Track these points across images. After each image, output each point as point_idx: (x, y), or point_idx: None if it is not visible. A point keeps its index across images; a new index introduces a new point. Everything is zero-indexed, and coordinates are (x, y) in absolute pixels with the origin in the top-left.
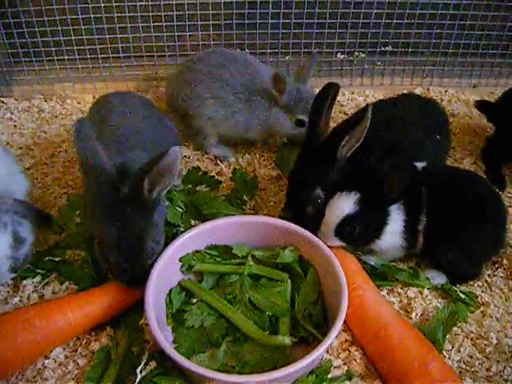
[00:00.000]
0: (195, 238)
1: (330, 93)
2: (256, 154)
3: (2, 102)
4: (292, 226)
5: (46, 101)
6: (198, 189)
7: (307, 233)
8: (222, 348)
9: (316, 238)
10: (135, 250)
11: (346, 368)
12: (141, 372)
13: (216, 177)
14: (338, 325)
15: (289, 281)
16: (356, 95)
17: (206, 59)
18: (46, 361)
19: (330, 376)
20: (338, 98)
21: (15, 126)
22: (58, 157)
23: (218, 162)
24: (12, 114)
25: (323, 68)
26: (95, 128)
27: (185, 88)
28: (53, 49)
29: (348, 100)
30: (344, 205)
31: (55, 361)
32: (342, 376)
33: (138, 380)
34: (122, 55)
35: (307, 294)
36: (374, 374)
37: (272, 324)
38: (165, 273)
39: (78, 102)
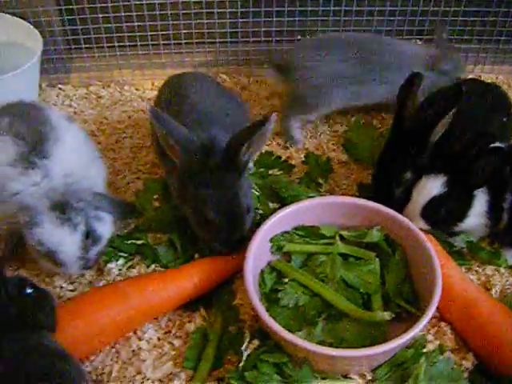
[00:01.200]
0: (284, 219)
1: (415, 81)
2: (323, 139)
3: (60, 88)
4: (379, 206)
5: (103, 87)
6: (270, 172)
7: (395, 213)
8: (318, 325)
9: (404, 218)
10: (234, 208)
11: (437, 342)
12: (245, 350)
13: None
14: (436, 299)
15: (377, 259)
16: None
17: (335, 45)
18: (140, 342)
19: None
20: None
21: (75, 112)
22: (123, 142)
23: (288, 145)
24: (71, 100)
25: None
26: (172, 107)
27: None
28: (114, 35)
29: None
30: (432, 186)
31: (148, 342)
32: (435, 350)
33: (244, 358)
34: (183, 41)
35: (396, 272)
36: (464, 348)
37: (364, 302)
38: (258, 253)
39: (137, 89)
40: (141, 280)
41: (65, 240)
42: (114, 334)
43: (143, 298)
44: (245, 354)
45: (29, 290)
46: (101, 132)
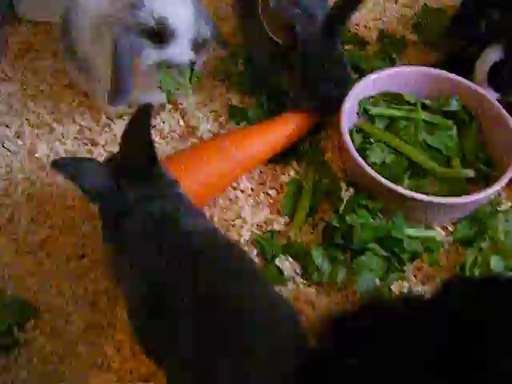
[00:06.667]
0: (371, 84)
1: None
2: (393, 21)
3: None
4: (457, 77)
5: None
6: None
7: (470, 83)
8: (405, 182)
9: (482, 89)
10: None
11: (509, 204)
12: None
13: None
14: None
15: (454, 126)
16: None
17: None
18: (237, 192)
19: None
20: None
21: None
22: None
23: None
24: None
25: None
26: None
27: None
28: None
29: None
30: (492, 53)
31: (243, 192)
32: (509, 210)
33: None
34: None
35: (473, 139)
36: None
37: (444, 163)
38: (348, 112)
39: None
40: (241, 135)
41: (178, 6)
42: (217, 189)
43: (243, 154)
44: (344, 200)
45: None
46: None
